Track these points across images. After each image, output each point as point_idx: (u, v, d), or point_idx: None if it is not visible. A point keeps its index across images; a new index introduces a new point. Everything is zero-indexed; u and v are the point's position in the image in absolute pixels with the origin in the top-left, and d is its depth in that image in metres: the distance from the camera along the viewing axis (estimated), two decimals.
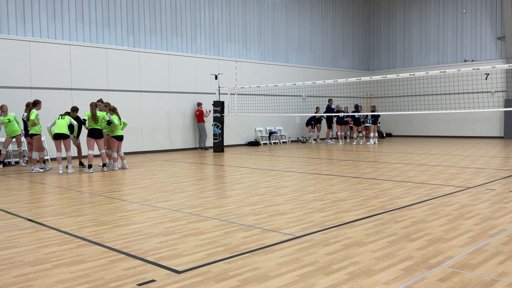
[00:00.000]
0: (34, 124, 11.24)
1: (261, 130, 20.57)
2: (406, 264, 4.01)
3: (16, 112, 13.15)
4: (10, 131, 12.17)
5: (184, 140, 17.87)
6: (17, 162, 13.52)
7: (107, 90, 15.35)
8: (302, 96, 22.26)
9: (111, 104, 11.80)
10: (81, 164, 12.38)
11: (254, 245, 4.65)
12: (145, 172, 11.03)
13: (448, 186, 8.22)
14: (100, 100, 12.10)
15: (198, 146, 18.10)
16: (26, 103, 12.12)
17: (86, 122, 11.34)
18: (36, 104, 11.52)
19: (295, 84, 16.05)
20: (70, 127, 11.67)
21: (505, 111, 20.68)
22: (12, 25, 13.65)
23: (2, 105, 12.22)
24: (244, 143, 20.01)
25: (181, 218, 5.98)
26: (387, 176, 9.65)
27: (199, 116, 17.60)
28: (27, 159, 12.70)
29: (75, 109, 11.88)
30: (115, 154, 11.55)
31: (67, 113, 11.85)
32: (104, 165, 11.46)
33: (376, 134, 20.01)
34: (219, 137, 16.65)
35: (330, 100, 21.00)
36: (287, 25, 22.00)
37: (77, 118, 11.98)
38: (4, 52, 13.36)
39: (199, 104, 17.71)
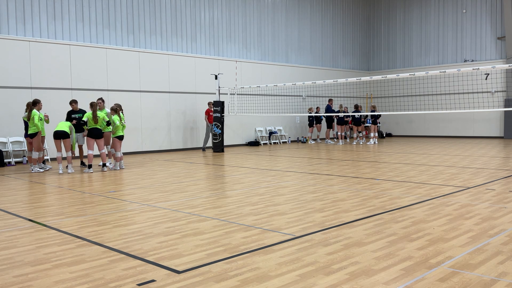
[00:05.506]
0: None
1: (261, 130, 20.57)
2: (406, 264, 4.01)
3: (16, 112, 13.17)
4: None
5: (184, 140, 17.86)
6: (17, 162, 13.54)
7: (107, 90, 15.35)
8: (302, 96, 22.26)
9: (114, 104, 11.78)
10: (82, 164, 12.39)
11: (254, 245, 4.65)
12: (145, 172, 11.03)
13: (448, 186, 8.22)
14: (101, 99, 12.08)
15: (202, 146, 17.50)
16: (26, 103, 12.09)
17: (86, 123, 11.34)
18: (35, 103, 11.37)
19: (295, 84, 16.05)
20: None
21: (505, 111, 20.68)
22: (12, 25, 13.65)
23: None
24: (244, 143, 20.01)
25: (181, 218, 5.98)
26: (387, 176, 9.65)
27: (210, 116, 16.98)
28: (27, 159, 12.71)
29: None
30: (118, 154, 11.56)
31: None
32: (104, 165, 11.46)
33: (376, 134, 20.01)
34: (219, 137, 16.65)
35: (330, 100, 21.01)
36: (287, 25, 22.00)
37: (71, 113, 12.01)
38: (4, 52, 13.36)
39: (210, 104, 17.10)
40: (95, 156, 13.40)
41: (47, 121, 11.73)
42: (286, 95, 21.02)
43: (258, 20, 20.64)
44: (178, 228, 5.41)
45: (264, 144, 20.30)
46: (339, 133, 20.46)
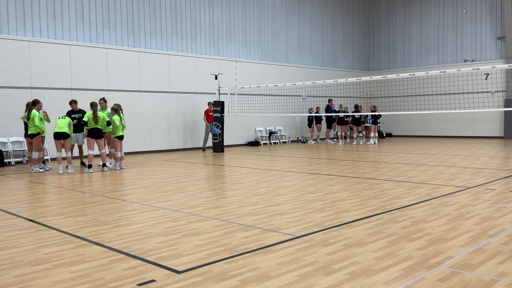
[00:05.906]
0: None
1: (261, 130, 20.57)
2: (406, 264, 4.01)
3: (16, 112, 13.16)
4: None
5: (184, 140, 17.86)
6: (17, 162, 13.54)
7: (107, 90, 15.35)
8: (302, 96, 22.26)
9: (114, 104, 11.76)
10: (82, 164, 12.38)
11: (254, 245, 4.65)
12: (145, 172, 11.03)
13: (448, 186, 8.22)
14: (103, 99, 12.08)
15: (202, 146, 17.51)
16: (26, 103, 12.09)
17: (87, 123, 11.34)
18: (35, 104, 11.32)
19: (295, 84, 16.05)
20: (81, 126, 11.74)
21: (505, 111, 20.68)
22: (12, 25, 13.64)
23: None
24: (244, 143, 20.01)
25: (181, 218, 5.98)
26: (387, 176, 9.65)
27: (209, 116, 17.02)
28: (27, 159, 12.71)
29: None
30: (118, 154, 11.56)
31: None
32: (104, 165, 11.46)
33: (376, 134, 20.01)
34: (219, 137, 16.65)
35: (330, 100, 21.01)
36: (287, 25, 22.00)
37: (72, 112, 12.03)
38: (4, 52, 13.35)
39: (209, 104, 17.11)
40: (95, 156, 13.40)
41: (47, 119, 11.71)
42: (286, 95, 21.02)
43: (258, 20, 20.64)
44: (178, 228, 5.41)
45: (264, 144, 20.29)
46: (339, 133, 20.46)
